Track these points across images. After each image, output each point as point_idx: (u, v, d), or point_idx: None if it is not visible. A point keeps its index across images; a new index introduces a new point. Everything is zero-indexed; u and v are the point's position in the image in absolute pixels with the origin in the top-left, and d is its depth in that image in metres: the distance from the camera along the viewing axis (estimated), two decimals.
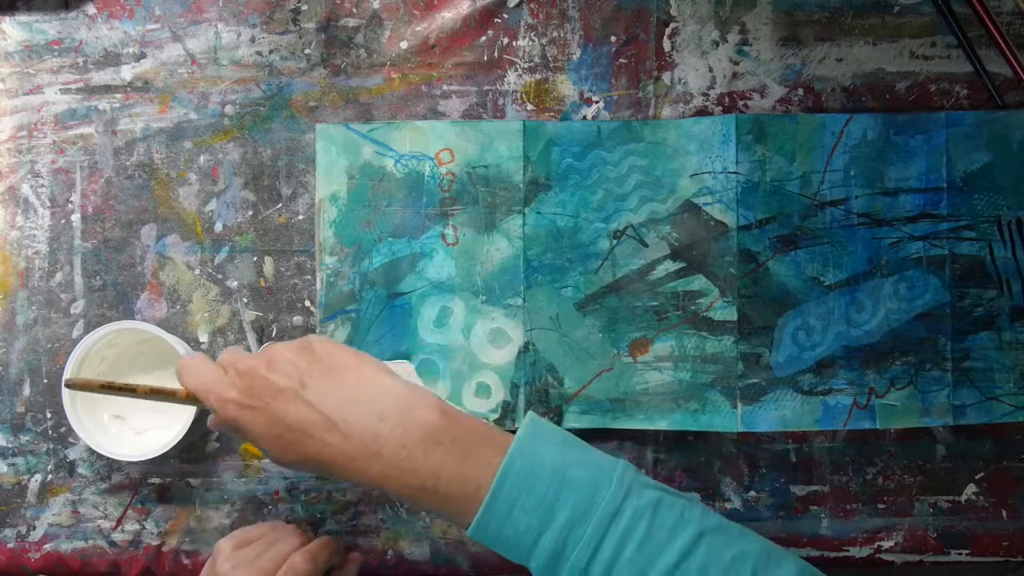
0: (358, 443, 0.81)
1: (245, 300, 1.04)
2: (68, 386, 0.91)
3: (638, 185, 1.02)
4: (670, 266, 1.02)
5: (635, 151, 1.02)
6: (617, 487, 0.79)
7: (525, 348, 1.03)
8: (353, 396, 0.82)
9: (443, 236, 1.03)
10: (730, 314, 1.02)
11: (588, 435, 0.98)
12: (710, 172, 1.02)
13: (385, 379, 0.84)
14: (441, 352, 1.03)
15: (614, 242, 1.03)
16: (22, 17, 1.05)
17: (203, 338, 1.05)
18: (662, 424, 1.02)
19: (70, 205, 1.04)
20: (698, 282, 1.02)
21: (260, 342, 1.04)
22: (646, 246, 1.02)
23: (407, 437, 0.80)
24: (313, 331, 1.04)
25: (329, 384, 0.83)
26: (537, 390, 1.03)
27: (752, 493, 1.05)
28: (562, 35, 1.04)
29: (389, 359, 1.02)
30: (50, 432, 1.05)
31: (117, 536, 1.05)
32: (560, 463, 0.80)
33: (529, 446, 0.81)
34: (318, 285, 1.03)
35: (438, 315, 1.03)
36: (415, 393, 0.83)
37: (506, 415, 1.02)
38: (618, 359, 1.03)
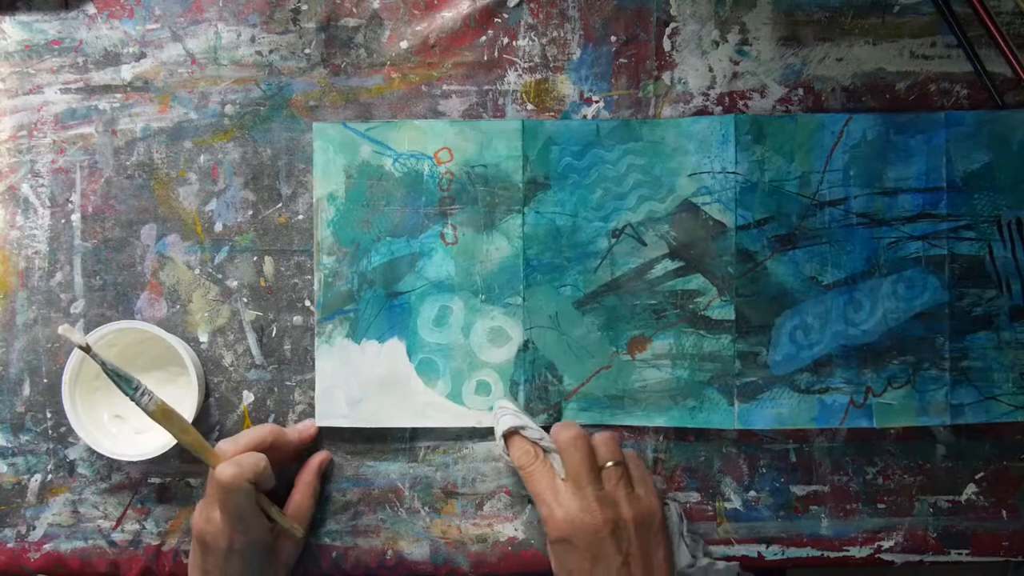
0: None
1: (245, 300, 1.04)
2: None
3: (637, 184, 1.02)
4: (668, 265, 1.02)
5: (634, 150, 1.02)
6: None
7: (524, 346, 1.03)
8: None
9: (442, 235, 1.03)
10: (728, 313, 1.02)
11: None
12: (709, 172, 1.02)
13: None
14: (441, 351, 1.03)
15: (613, 241, 1.03)
16: (22, 17, 1.05)
17: (203, 338, 1.05)
18: (659, 421, 1.03)
19: (70, 205, 1.04)
20: (696, 281, 1.02)
21: (260, 342, 1.04)
22: (644, 245, 1.02)
23: None
24: (312, 331, 1.04)
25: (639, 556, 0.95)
26: (537, 388, 1.03)
27: (752, 493, 1.05)
28: (562, 35, 1.04)
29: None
30: (50, 432, 1.05)
31: (117, 536, 1.05)
32: None
33: None
34: (316, 285, 1.03)
35: (438, 314, 1.03)
36: None
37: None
38: (617, 357, 1.03)
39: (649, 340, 1.03)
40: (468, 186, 1.03)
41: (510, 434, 0.99)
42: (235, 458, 0.94)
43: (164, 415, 0.93)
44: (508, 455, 1.00)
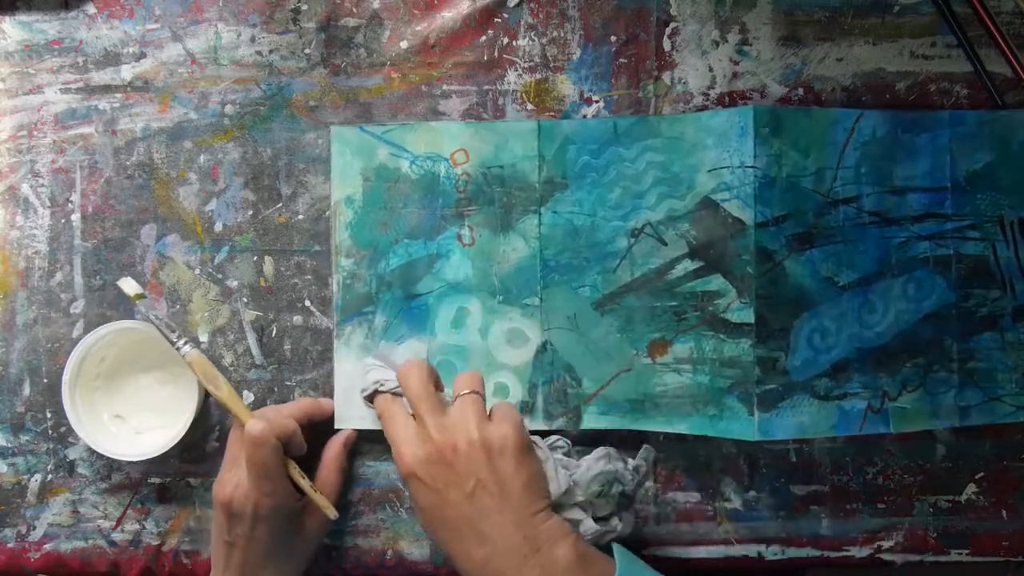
0: (496, 569, 0.88)
1: (245, 300, 1.04)
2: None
3: (656, 182, 1.02)
4: (688, 265, 1.02)
5: (652, 147, 1.02)
6: None
7: (543, 348, 1.03)
8: (510, 526, 0.88)
9: (459, 237, 1.03)
10: (747, 316, 1.00)
11: (605, 435, 1.01)
12: (728, 167, 1.01)
13: (540, 513, 0.90)
14: (459, 353, 1.03)
15: (632, 241, 1.02)
16: (22, 17, 1.04)
17: (203, 338, 1.04)
18: (681, 427, 1.02)
19: (70, 205, 1.04)
20: (716, 282, 1.01)
21: (260, 342, 1.04)
22: (665, 244, 1.02)
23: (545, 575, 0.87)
24: (313, 331, 1.04)
25: (495, 503, 0.89)
26: (555, 390, 1.03)
27: (752, 493, 1.05)
28: (562, 35, 1.04)
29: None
30: (50, 432, 1.04)
31: (117, 536, 1.05)
32: None
33: None
34: (334, 287, 1.03)
35: (455, 316, 1.03)
36: (560, 530, 0.90)
37: (524, 414, 1.03)
38: (636, 360, 1.02)
39: (670, 343, 1.03)
40: (484, 187, 1.03)
41: (376, 392, 0.99)
42: (265, 416, 0.95)
43: (200, 367, 0.97)
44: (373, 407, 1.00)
